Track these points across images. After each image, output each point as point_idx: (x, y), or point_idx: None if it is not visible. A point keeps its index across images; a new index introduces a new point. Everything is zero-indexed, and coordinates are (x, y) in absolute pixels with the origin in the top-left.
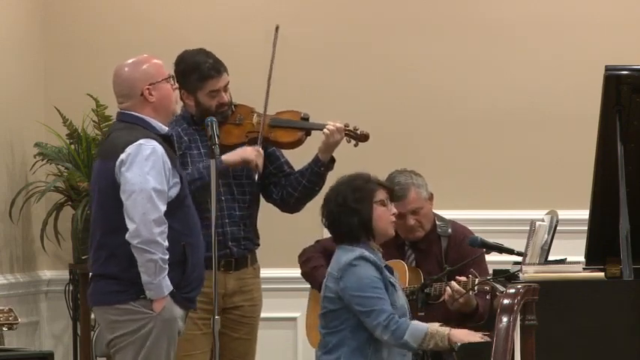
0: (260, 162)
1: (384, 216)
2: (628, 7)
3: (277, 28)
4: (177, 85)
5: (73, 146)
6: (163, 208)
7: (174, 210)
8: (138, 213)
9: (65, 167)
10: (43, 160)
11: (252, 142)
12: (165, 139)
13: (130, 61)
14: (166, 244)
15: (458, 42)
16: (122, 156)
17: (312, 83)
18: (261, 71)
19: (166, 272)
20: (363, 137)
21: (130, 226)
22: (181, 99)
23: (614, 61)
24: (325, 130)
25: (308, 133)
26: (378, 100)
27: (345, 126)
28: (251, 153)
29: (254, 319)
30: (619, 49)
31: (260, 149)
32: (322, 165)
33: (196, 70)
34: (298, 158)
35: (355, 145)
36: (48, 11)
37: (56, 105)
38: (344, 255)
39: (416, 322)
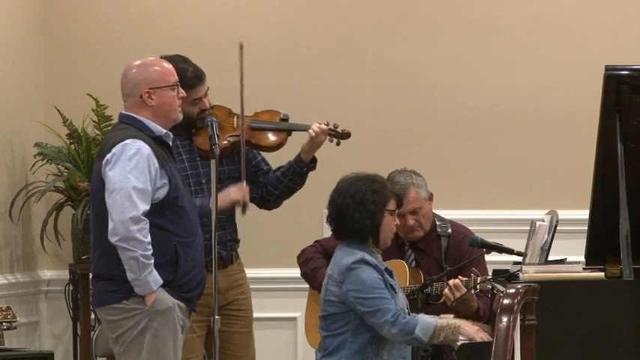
0: (247, 198)
1: (390, 225)
2: (628, 7)
3: (241, 45)
4: (182, 92)
5: (73, 146)
6: (144, 207)
7: (164, 210)
8: (116, 211)
9: (65, 167)
10: (43, 160)
11: (234, 145)
12: (160, 142)
13: (139, 61)
14: (148, 240)
15: (458, 42)
16: (107, 156)
17: (311, 84)
18: (261, 70)
19: (151, 268)
20: (346, 135)
21: (110, 224)
22: None
23: (614, 61)
24: (311, 131)
25: (289, 134)
26: (378, 100)
27: (326, 124)
28: (236, 194)
29: (248, 312)
30: (619, 49)
31: (244, 186)
32: (305, 165)
33: (179, 78)
34: (276, 156)
35: (337, 144)
36: (48, 11)
37: (56, 105)
38: (344, 258)
39: (424, 316)
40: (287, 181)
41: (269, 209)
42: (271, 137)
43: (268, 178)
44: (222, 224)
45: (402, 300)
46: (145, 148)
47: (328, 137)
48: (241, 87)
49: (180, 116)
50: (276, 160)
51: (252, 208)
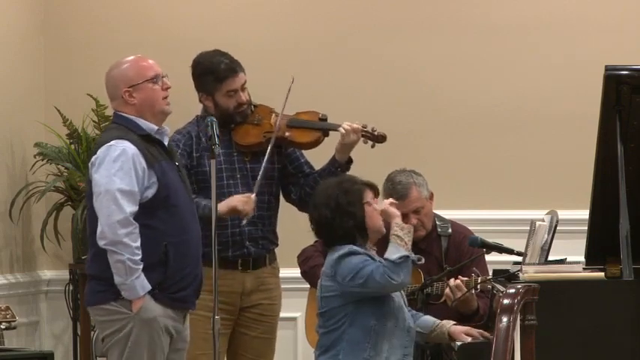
0: (248, 208)
1: (373, 215)
2: (628, 7)
3: (293, 80)
4: (166, 84)
5: (73, 146)
6: (131, 209)
7: (155, 210)
8: (103, 215)
9: (65, 167)
10: (43, 160)
11: (269, 141)
12: (150, 140)
13: (116, 62)
14: (136, 244)
15: (458, 42)
16: (92, 158)
17: (312, 83)
18: (261, 69)
19: (139, 272)
20: (381, 138)
21: (98, 228)
22: (200, 101)
23: (614, 61)
24: (341, 129)
25: (326, 134)
26: (378, 100)
27: (362, 127)
28: (238, 201)
29: (273, 318)
30: (619, 49)
31: (251, 195)
32: (339, 165)
33: (212, 71)
34: (317, 159)
35: (372, 147)
36: (48, 11)
37: (56, 105)
38: (335, 253)
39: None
40: None
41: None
42: (307, 135)
43: (307, 180)
44: (254, 220)
45: (398, 294)
46: (130, 149)
47: (362, 139)
48: (281, 114)
49: (169, 108)
50: (319, 162)
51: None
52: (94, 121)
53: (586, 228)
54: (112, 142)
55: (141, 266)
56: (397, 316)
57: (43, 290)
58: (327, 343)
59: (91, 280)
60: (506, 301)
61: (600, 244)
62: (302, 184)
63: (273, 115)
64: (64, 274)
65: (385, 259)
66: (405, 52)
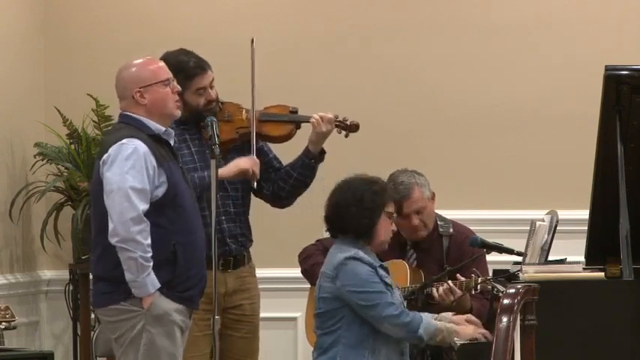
0: (257, 169)
1: (386, 228)
2: (628, 7)
3: (253, 40)
4: (176, 87)
5: (73, 146)
6: (143, 206)
7: (163, 209)
8: (116, 212)
9: (65, 167)
10: (43, 160)
11: (242, 137)
12: (159, 140)
13: (128, 62)
14: (147, 242)
15: (458, 42)
16: (104, 157)
17: (311, 83)
18: (260, 70)
19: (150, 270)
20: (354, 127)
21: (110, 225)
22: None
23: (614, 61)
24: (312, 119)
25: (298, 126)
26: (378, 100)
27: (334, 117)
28: (246, 163)
29: (255, 317)
30: (619, 49)
31: (255, 157)
32: (313, 157)
33: (181, 70)
34: (289, 152)
35: (346, 136)
36: (48, 11)
37: (56, 105)
38: (337, 254)
39: (427, 317)
40: (297, 174)
41: (281, 207)
42: (279, 128)
43: (279, 174)
44: (232, 217)
45: (398, 297)
46: (141, 147)
47: (336, 129)
48: (252, 80)
49: (178, 112)
50: (288, 156)
51: (253, 208)
52: (94, 121)
53: (586, 228)
54: (124, 141)
55: (151, 264)
56: None
57: (43, 290)
58: (325, 344)
59: (98, 281)
60: (506, 301)
61: (600, 244)
62: (274, 179)
63: (244, 110)
64: (64, 274)
65: (421, 320)
66: (405, 52)
